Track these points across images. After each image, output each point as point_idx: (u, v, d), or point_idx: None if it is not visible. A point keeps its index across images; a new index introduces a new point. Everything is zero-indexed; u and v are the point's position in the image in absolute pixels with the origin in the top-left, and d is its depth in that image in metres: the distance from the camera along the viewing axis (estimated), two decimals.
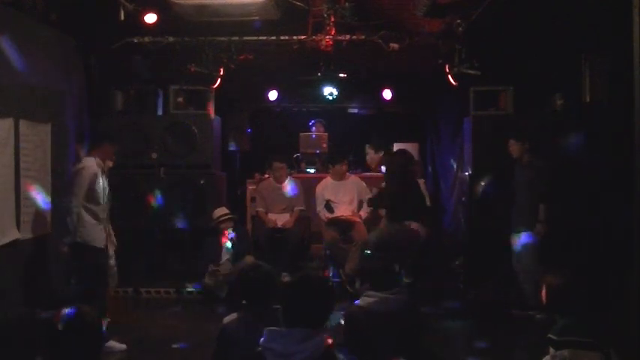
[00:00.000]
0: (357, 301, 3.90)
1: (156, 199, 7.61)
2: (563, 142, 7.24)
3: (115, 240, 6.13)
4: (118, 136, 7.60)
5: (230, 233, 7.31)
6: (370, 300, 3.76)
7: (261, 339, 2.74)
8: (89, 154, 5.78)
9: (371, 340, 3.66)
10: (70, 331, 2.47)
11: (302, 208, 8.03)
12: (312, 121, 9.83)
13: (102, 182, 5.65)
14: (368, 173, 8.78)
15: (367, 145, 6.47)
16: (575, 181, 7.14)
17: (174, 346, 5.64)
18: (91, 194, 5.56)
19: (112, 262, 6.13)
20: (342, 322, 3.82)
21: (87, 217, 5.53)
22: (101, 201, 5.64)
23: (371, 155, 6.37)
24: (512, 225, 6.62)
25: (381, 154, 6.37)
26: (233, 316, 3.51)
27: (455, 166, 9.53)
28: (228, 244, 7.20)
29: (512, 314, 6.42)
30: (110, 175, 6.28)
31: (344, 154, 8.22)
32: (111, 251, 6.08)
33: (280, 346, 2.67)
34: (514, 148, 6.59)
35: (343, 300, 5.83)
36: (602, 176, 6.97)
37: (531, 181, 6.47)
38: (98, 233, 5.63)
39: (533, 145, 6.59)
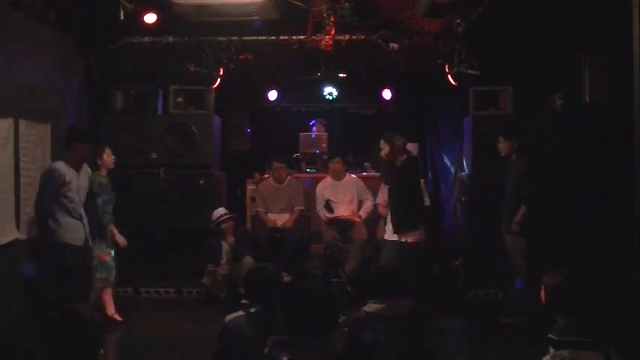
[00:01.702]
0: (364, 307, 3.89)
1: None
2: (563, 142, 7.26)
3: (122, 238, 6.20)
4: (118, 136, 7.69)
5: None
6: (377, 306, 3.77)
7: (266, 349, 2.72)
8: (61, 157, 5.56)
9: (377, 346, 3.67)
10: (68, 330, 2.47)
11: (302, 207, 8.03)
12: (313, 121, 9.83)
13: (75, 181, 5.46)
14: (367, 173, 8.80)
15: (381, 140, 6.38)
16: (574, 181, 7.15)
17: (175, 346, 5.65)
18: (64, 194, 5.37)
19: (112, 262, 6.15)
20: (347, 329, 3.83)
21: (63, 217, 5.37)
22: (76, 199, 5.45)
23: (386, 150, 6.31)
24: (502, 227, 6.59)
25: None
26: (236, 314, 3.53)
27: (453, 166, 9.54)
28: None
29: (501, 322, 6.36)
30: (110, 174, 6.29)
31: (339, 152, 8.21)
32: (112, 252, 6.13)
33: (286, 355, 2.65)
34: (503, 145, 6.53)
35: (344, 302, 5.82)
36: (601, 176, 6.96)
37: (515, 181, 6.41)
38: (77, 232, 5.46)
39: (522, 144, 6.55)
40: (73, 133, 5.66)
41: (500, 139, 6.56)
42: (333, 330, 2.83)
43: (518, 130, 6.73)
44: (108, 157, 6.22)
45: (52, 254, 5.40)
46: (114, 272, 6.19)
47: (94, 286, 5.94)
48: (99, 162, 6.16)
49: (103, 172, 6.20)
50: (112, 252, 6.18)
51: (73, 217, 5.43)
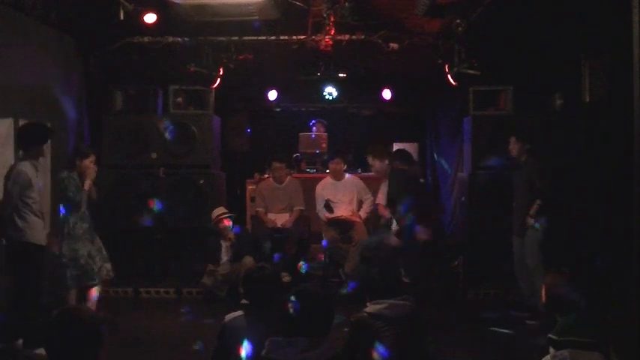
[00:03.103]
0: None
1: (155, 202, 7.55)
2: (563, 142, 7.25)
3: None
4: (118, 136, 7.69)
5: (235, 228, 7.29)
6: (378, 306, 3.77)
7: (263, 351, 2.72)
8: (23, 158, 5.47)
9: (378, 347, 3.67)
10: (68, 330, 2.47)
11: (302, 207, 8.04)
12: (313, 121, 9.84)
13: (39, 182, 5.42)
14: (367, 173, 8.79)
15: (369, 157, 6.38)
16: (574, 181, 7.14)
17: (175, 346, 5.65)
18: (29, 195, 5.32)
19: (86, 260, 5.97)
20: (347, 329, 3.83)
21: (30, 216, 5.32)
22: (37, 198, 5.39)
23: (376, 166, 6.30)
24: (513, 229, 6.56)
25: (386, 161, 6.30)
26: (235, 313, 3.53)
27: (453, 166, 9.54)
28: None
29: (511, 315, 6.36)
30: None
31: (338, 153, 8.22)
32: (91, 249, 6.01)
33: (283, 356, 2.65)
34: (514, 146, 6.48)
35: (344, 302, 5.82)
36: (601, 176, 6.96)
37: (526, 183, 6.35)
38: (42, 232, 5.42)
39: (532, 147, 6.52)
40: (45, 132, 5.58)
41: (512, 139, 6.47)
42: (329, 330, 2.84)
43: (529, 132, 6.64)
44: (89, 163, 6.00)
45: (15, 254, 5.30)
46: (91, 270, 5.95)
47: (66, 284, 5.83)
48: (77, 162, 5.99)
49: (74, 174, 5.97)
50: (83, 249, 5.94)
51: (37, 216, 5.36)
